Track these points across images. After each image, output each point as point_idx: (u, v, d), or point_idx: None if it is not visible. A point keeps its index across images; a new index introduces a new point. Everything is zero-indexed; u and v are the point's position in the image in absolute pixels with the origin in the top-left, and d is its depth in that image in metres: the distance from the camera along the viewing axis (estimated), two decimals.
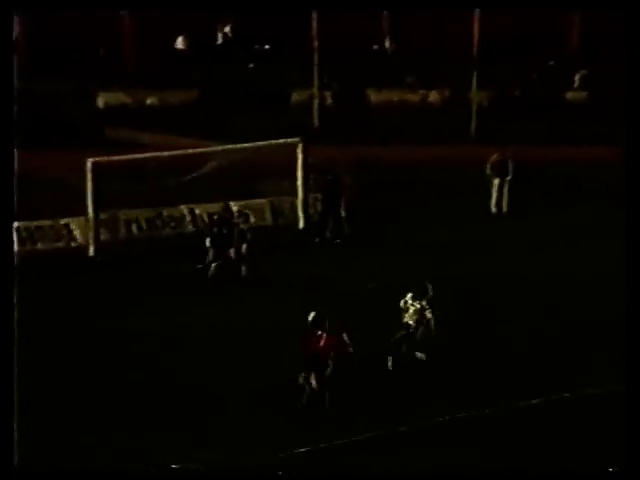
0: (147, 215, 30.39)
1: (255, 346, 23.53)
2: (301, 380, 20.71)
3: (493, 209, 33.89)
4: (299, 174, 31.55)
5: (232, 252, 27.46)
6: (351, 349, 20.88)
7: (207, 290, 26.78)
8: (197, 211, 30.70)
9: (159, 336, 24.11)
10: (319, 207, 31.93)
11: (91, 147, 32.91)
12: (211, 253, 27.43)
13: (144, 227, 30.33)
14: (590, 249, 29.40)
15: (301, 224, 31.73)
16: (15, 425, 15.51)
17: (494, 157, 34.18)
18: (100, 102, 43.81)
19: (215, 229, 27.73)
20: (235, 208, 29.44)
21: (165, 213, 30.53)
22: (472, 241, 30.49)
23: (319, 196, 31.83)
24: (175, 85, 44.23)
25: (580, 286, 26.91)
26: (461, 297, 25.63)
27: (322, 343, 20.75)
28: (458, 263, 28.57)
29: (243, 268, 27.34)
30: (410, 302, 22.69)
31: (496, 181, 33.94)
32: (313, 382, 20.63)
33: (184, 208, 30.69)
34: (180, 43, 47.65)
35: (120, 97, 44.02)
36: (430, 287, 23.00)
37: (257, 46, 47.80)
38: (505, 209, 33.84)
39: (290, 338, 22.11)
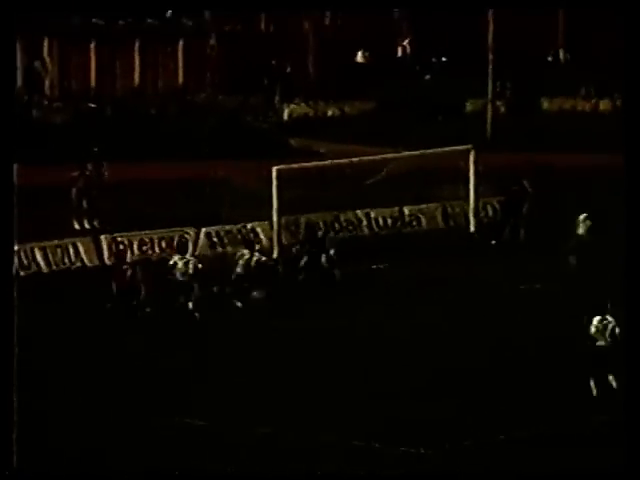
0: (326, 219, 30.68)
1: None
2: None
3: None
4: (471, 180, 31.60)
5: (324, 258, 27.57)
6: None
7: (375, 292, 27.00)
8: (372, 215, 31.06)
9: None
10: (490, 212, 32.22)
11: (276, 156, 33.40)
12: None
13: (322, 228, 30.23)
14: None
15: (472, 227, 31.91)
16: (15, 425, 14.75)
17: None
18: (285, 114, 44.55)
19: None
20: (407, 212, 29.84)
21: (342, 217, 30.89)
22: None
23: (492, 201, 32.07)
24: (354, 97, 44.78)
25: None
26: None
27: None
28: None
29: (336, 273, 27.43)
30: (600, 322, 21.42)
31: None
32: None
33: (360, 212, 31.07)
34: (360, 57, 48.14)
35: (303, 109, 44.74)
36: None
37: (434, 59, 48.00)
38: None
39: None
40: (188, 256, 26.58)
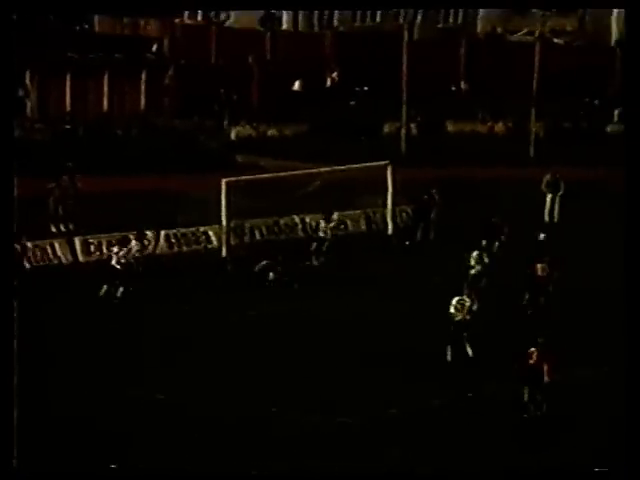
0: (267, 223, 30.83)
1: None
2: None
3: (546, 218, 33.86)
4: (389, 190, 31.75)
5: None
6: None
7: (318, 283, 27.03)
8: (307, 220, 31.08)
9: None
10: (404, 217, 32.29)
11: (225, 170, 33.28)
12: None
13: (264, 233, 30.80)
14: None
15: (390, 231, 31.98)
16: (15, 425, 13.89)
17: (548, 176, 34.14)
18: (232, 135, 44.44)
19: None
20: (335, 217, 29.85)
21: (281, 222, 30.95)
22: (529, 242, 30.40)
23: (407, 209, 32.15)
24: (290, 120, 44.68)
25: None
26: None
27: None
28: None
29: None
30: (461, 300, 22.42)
31: (549, 196, 33.93)
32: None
33: (296, 218, 31.09)
34: (297, 86, 48.10)
35: (247, 130, 44.62)
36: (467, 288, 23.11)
37: (357, 88, 48.04)
38: (557, 219, 33.77)
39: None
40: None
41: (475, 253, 25.65)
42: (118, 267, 25.93)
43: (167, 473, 17.07)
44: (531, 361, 19.49)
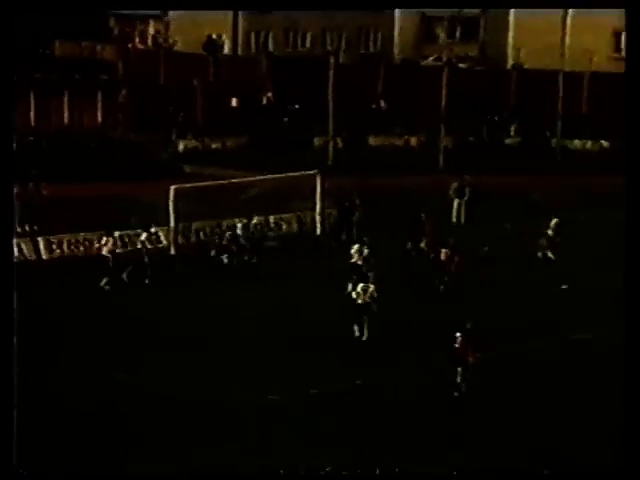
0: (211, 225, 30.52)
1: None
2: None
3: (454, 220, 33.95)
4: (317, 196, 31.71)
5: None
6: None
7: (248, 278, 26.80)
8: (245, 222, 30.80)
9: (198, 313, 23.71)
10: (332, 220, 32.10)
11: (173, 178, 32.97)
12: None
13: (208, 234, 30.51)
14: (516, 245, 29.45)
15: (318, 232, 31.90)
16: (15, 426, 12.95)
17: (455, 184, 34.23)
18: (180, 147, 44.01)
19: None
20: (272, 220, 29.59)
21: (224, 223, 30.52)
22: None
23: (334, 212, 31.98)
24: (232, 134, 44.37)
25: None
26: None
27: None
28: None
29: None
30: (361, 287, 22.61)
31: (456, 201, 34.02)
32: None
33: (237, 220, 30.77)
34: (234, 103, 47.77)
35: (193, 143, 44.20)
36: (372, 275, 23.33)
37: (290, 106, 47.85)
38: (463, 221, 33.87)
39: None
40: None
41: (356, 246, 26.02)
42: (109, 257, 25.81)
43: (167, 473, 16.44)
44: (457, 345, 19.41)
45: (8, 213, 13.63)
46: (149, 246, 27.89)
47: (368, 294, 22.55)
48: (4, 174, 13.49)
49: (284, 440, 17.56)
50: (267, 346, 21.93)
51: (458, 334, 19.48)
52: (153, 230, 29.28)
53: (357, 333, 22.39)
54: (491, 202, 34.66)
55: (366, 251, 26.14)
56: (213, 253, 28.33)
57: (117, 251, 26.95)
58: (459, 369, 19.25)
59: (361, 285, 22.74)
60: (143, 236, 27.94)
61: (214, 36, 52.12)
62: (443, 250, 26.19)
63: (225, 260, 27.85)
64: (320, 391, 19.33)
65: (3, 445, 12.53)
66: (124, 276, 26.24)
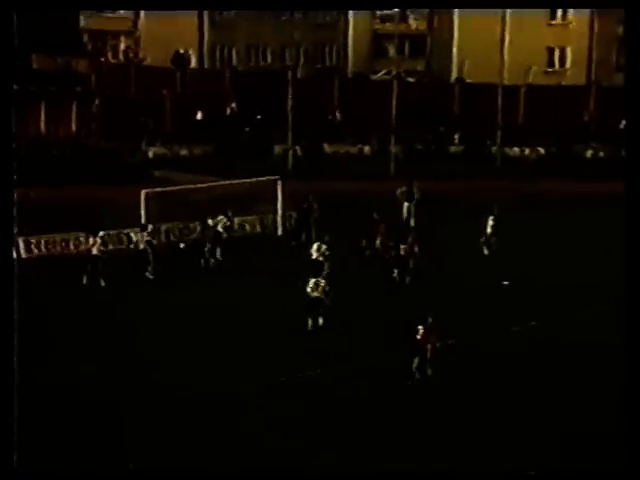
0: (179, 226, 30.58)
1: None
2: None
3: (404, 221, 34.30)
4: (278, 199, 31.92)
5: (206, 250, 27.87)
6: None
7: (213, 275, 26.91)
8: (211, 223, 30.74)
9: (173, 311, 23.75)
10: (293, 222, 32.36)
11: (144, 183, 32.87)
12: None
13: (177, 234, 30.57)
14: (467, 244, 29.87)
15: (279, 233, 32.12)
16: (15, 426, 12.08)
17: (403, 188, 34.63)
18: (150, 154, 43.93)
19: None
20: (237, 221, 29.75)
21: (191, 225, 30.63)
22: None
23: (294, 214, 32.25)
24: (198, 142, 44.38)
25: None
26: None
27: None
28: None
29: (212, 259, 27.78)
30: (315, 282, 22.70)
31: (405, 204, 34.42)
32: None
33: (209, 221, 30.79)
34: (199, 116, 47.81)
35: (162, 150, 44.13)
36: (327, 265, 23.79)
37: (252, 117, 47.96)
38: (412, 223, 34.23)
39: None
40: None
41: (316, 245, 26.19)
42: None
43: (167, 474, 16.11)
44: (418, 337, 19.50)
45: (8, 216, 13.47)
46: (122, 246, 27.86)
47: (320, 289, 22.58)
48: (4, 178, 13.35)
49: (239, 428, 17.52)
50: (228, 339, 22.02)
51: (420, 327, 19.51)
52: (125, 232, 29.27)
53: (310, 326, 22.35)
54: (437, 204, 35.27)
55: (324, 247, 26.34)
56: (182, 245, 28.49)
57: (102, 249, 26.69)
58: (416, 359, 19.37)
59: (313, 280, 22.73)
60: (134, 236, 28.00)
61: (182, 51, 52.13)
62: (402, 246, 26.49)
63: (181, 245, 28.15)
64: (269, 383, 19.41)
65: (3, 445, 11.99)
66: (148, 274, 26.52)
